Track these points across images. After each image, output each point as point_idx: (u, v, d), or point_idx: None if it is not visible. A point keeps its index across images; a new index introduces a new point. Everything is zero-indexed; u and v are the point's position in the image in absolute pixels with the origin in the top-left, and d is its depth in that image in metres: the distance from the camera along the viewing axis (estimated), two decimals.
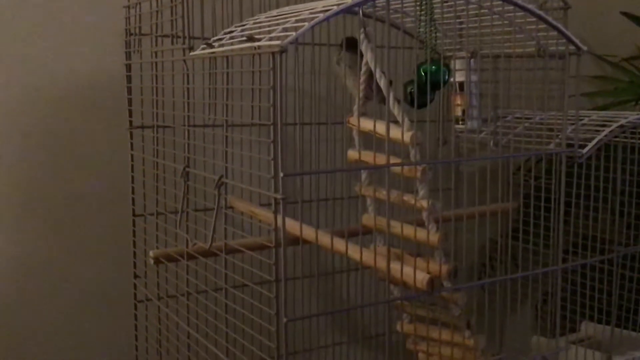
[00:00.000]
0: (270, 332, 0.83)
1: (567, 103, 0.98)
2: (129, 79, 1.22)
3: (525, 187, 1.40)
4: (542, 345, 1.19)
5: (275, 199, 0.78)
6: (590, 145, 1.02)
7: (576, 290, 1.40)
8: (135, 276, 1.26)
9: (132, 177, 1.24)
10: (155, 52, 1.15)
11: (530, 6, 0.89)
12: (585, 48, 0.95)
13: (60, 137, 1.32)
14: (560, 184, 0.98)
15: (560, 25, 0.92)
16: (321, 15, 0.74)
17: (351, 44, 1.05)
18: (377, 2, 0.80)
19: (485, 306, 0.99)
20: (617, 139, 1.20)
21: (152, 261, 1.12)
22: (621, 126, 1.11)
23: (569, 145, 0.99)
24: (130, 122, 1.23)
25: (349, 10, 0.78)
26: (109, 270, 1.37)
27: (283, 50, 0.72)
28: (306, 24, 0.73)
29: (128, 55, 1.22)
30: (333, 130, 1.31)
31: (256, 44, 0.77)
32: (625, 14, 1.85)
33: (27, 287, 1.31)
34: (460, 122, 1.19)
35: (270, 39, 0.76)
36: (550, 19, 0.92)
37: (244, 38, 0.80)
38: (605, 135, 1.05)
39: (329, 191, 1.30)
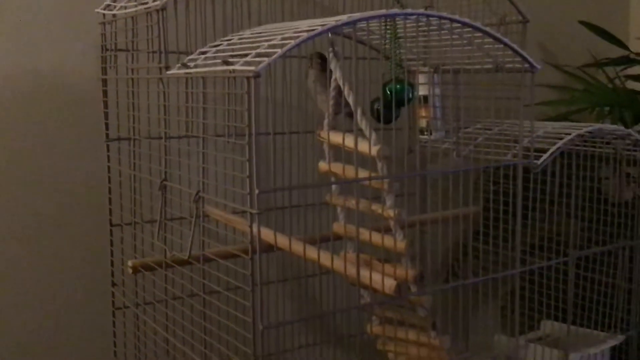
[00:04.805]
0: (247, 337, 0.88)
1: (522, 116, 1.04)
2: (105, 93, 1.26)
3: (488, 192, 1.47)
4: (502, 343, 1.26)
5: (251, 213, 0.83)
6: (544, 156, 1.08)
7: (537, 290, 1.47)
8: (113, 284, 1.30)
9: (109, 188, 1.27)
10: (132, 69, 1.18)
11: (487, 28, 0.95)
12: (539, 67, 1.02)
13: (38, 148, 1.34)
14: (518, 192, 1.05)
15: (515, 46, 0.98)
16: (292, 42, 0.79)
17: (320, 59, 1.10)
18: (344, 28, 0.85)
19: (451, 308, 1.05)
20: (575, 147, 1.27)
21: (130, 270, 1.16)
22: (578, 135, 1.18)
23: (526, 156, 1.06)
24: (107, 134, 1.26)
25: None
26: (87, 279, 1.39)
27: (257, 76, 0.77)
28: (278, 50, 0.78)
29: (104, 71, 1.25)
30: (305, 138, 1.36)
31: (231, 67, 0.82)
32: (583, 22, 1.93)
33: (5, 296, 1.33)
34: (425, 133, 1.26)
35: (245, 63, 0.80)
36: (505, 39, 0.98)
37: (219, 61, 0.85)
38: (559, 147, 1.12)
39: (300, 198, 1.35)
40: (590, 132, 1.20)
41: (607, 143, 1.29)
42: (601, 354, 1.30)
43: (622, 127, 1.25)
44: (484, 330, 1.57)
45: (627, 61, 1.88)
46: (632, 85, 1.93)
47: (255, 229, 0.84)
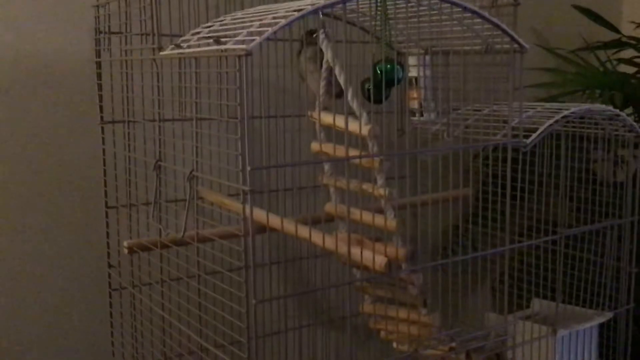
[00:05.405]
0: (241, 314, 0.90)
1: (512, 96, 1.06)
2: (99, 75, 1.27)
3: (483, 174, 1.49)
4: (492, 320, 1.28)
5: (243, 190, 0.84)
6: (534, 135, 1.10)
7: (528, 270, 1.50)
8: (110, 266, 1.31)
9: (104, 170, 1.29)
10: (125, 51, 1.19)
11: (476, 8, 0.97)
12: (527, 46, 1.03)
13: (33, 131, 1.35)
14: (507, 171, 1.06)
15: (504, 25, 1.00)
16: (283, 21, 0.80)
17: (312, 36, 1.11)
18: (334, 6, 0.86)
19: (445, 287, 1.07)
20: (565, 128, 1.28)
21: (125, 251, 1.18)
22: (565, 117, 1.20)
23: (515, 136, 1.07)
24: (102, 117, 1.28)
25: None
26: (83, 261, 1.41)
27: (248, 54, 0.78)
28: (269, 29, 0.79)
29: (98, 53, 1.26)
30: (298, 122, 1.37)
31: (223, 47, 0.83)
32: (576, 6, 1.94)
33: (2, 279, 1.35)
34: (417, 115, 1.27)
35: (236, 42, 0.82)
36: (495, 19, 0.99)
37: (211, 40, 0.86)
38: (549, 126, 1.13)
39: (295, 181, 1.37)
40: (578, 113, 1.22)
41: (596, 124, 1.30)
42: (589, 331, 1.33)
43: (610, 108, 1.27)
44: (475, 309, 1.59)
45: (619, 44, 1.89)
46: (624, 68, 1.95)
47: (247, 207, 0.85)
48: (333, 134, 1.00)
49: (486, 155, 1.62)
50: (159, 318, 1.19)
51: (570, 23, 2.01)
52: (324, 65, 1.07)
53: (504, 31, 1.00)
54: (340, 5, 0.88)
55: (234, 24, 0.92)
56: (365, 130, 0.99)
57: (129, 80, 1.20)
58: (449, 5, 0.94)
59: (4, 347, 1.36)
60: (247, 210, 0.86)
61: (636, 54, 1.85)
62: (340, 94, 1.02)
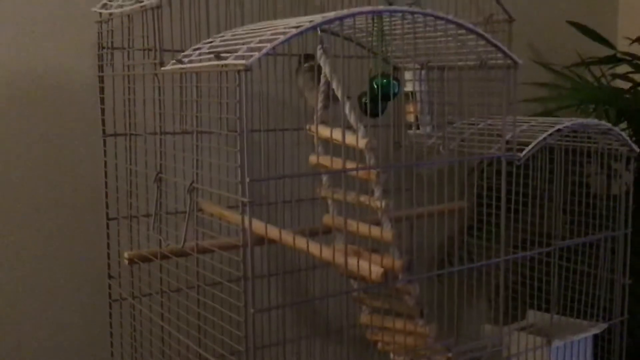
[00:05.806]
0: (240, 324, 0.91)
1: (506, 111, 1.08)
2: (102, 90, 1.29)
3: (479, 188, 1.51)
4: (488, 332, 1.29)
5: (243, 202, 0.86)
6: (527, 149, 1.12)
7: (524, 282, 1.51)
8: (110, 276, 1.33)
9: (106, 182, 1.30)
10: (128, 66, 1.22)
11: (470, 24, 0.99)
12: (520, 62, 1.05)
13: (36, 145, 1.37)
14: (502, 184, 1.09)
15: (497, 42, 1.02)
16: (282, 37, 0.82)
17: (309, 59, 1.14)
18: (332, 23, 0.89)
19: (442, 297, 1.09)
20: (559, 142, 1.31)
21: (126, 262, 1.19)
22: (559, 131, 1.22)
23: (509, 150, 1.10)
24: (104, 130, 1.30)
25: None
26: (84, 272, 1.42)
27: (248, 69, 0.80)
28: (268, 45, 0.82)
29: (101, 68, 1.29)
30: (296, 135, 1.40)
31: (223, 62, 0.85)
32: (571, 22, 1.97)
33: (4, 290, 1.36)
34: (413, 128, 1.30)
35: (236, 57, 0.84)
36: (488, 36, 1.02)
37: (212, 56, 0.88)
38: (542, 140, 1.16)
39: (293, 193, 1.39)
40: (572, 127, 1.24)
41: (589, 138, 1.33)
42: (584, 342, 1.34)
43: (604, 122, 1.29)
44: (471, 321, 1.60)
45: (614, 60, 1.92)
46: (618, 83, 1.97)
47: (246, 218, 0.87)
48: (331, 147, 1.02)
49: (482, 168, 1.64)
50: (159, 328, 1.20)
51: (565, 39, 2.04)
52: (322, 80, 1.09)
53: (497, 47, 1.02)
54: (337, 22, 0.91)
55: (234, 39, 0.95)
56: (362, 143, 1.01)
57: (131, 94, 1.22)
58: (443, 22, 0.97)
59: (4, 357, 1.37)
60: (246, 222, 0.88)
61: (630, 69, 1.88)
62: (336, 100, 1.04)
